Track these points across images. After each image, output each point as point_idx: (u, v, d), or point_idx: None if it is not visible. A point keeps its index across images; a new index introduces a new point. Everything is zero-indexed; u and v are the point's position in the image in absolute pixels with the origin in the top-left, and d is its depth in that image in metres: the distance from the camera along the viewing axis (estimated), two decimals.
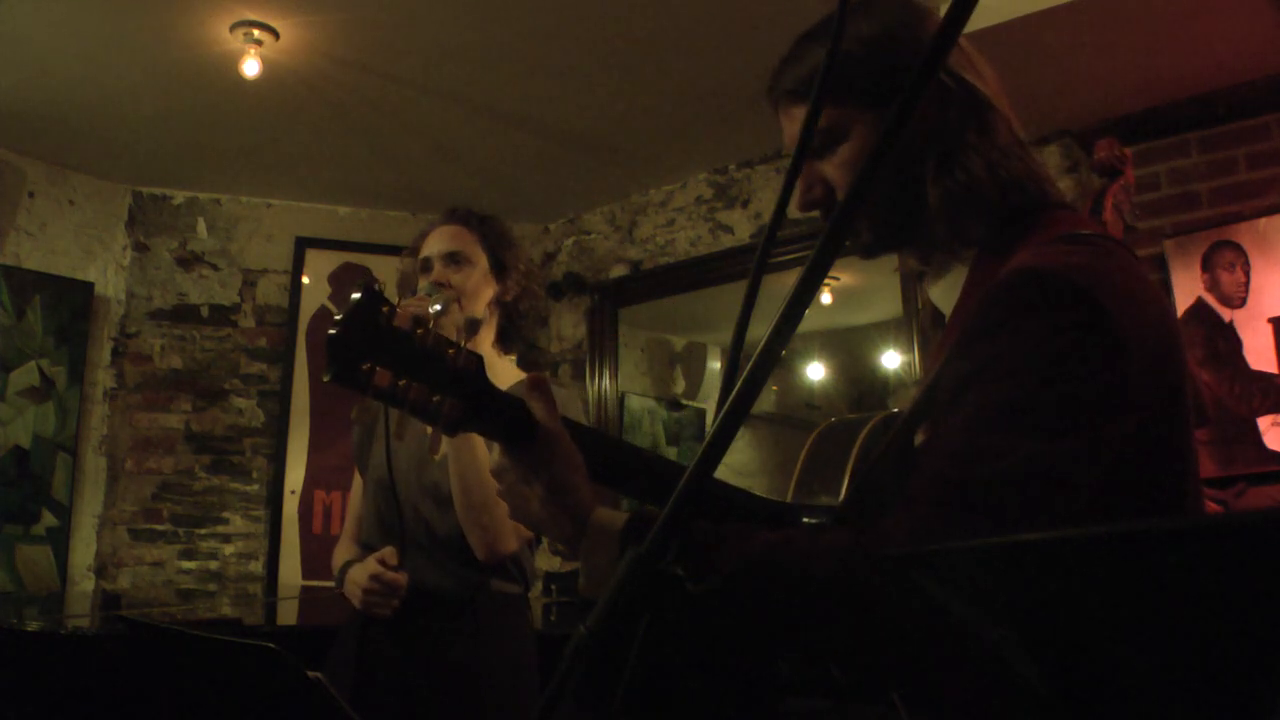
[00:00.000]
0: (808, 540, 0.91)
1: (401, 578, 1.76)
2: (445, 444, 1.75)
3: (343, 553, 1.95)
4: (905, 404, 1.02)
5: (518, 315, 2.00)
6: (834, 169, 1.03)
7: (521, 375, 1.99)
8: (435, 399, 0.92)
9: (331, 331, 0.87)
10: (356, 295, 0.88)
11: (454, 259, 1.90)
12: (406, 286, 2.00)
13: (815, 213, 1.06)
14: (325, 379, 0.89)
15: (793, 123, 1.06)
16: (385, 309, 0.89)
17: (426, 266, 1.92)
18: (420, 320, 0.91)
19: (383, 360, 0.89)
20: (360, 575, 1.79)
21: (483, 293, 1.93)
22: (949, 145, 0.98)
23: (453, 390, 0.93)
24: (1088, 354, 0.83)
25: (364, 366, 0.88)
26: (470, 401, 0.94)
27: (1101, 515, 0.84)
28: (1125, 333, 0.85)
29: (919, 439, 0.95)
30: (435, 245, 1.93)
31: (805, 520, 1.09)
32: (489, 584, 1.84)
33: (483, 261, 1.93)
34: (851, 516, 1.03)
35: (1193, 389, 0.95)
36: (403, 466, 1.88)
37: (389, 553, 1.78)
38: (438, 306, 1.77)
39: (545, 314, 4.65)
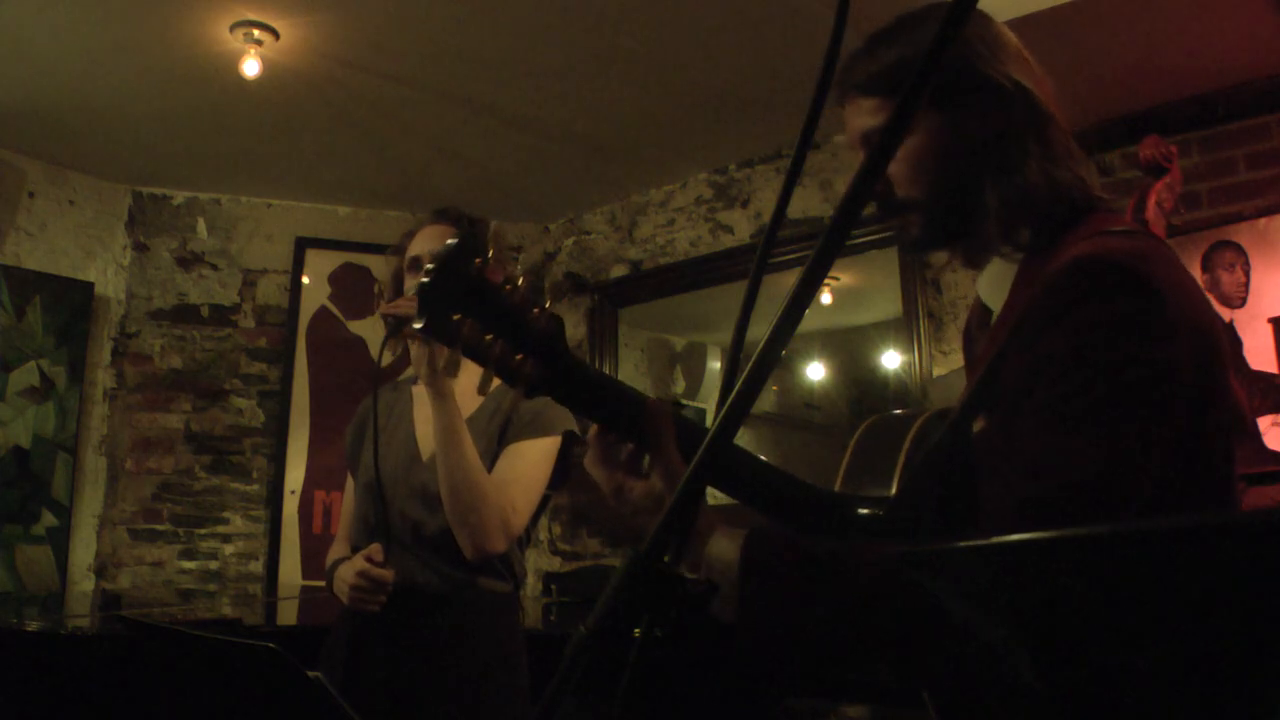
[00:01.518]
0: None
1: (388, 573, 1.77)
2: (432, 413, 1.75)
3: (335, 553, 1.97)
4: (959, 397, 1.04)
5: None
6: (894, 165, 1.06)
7: None
8: (518, 358, 0.91)
9: (424, 280, 0.87)
10: (451, 242, 0.88)
11: None
12: (395, 284, 2.00)
13: (870, 205, 1.08)
14: (416, 326, 0.88)
15: (858, 115, 1.09)
16: (478, 261, 0.88)
17: (415, 265, 1.91)
18: (510, 277, 0.91)
19: (472, 313, 0.88)
20: (347, 572, 1.80)
21: None
22: (1009, 150, 1.02)
23: (534, 351, 0.92)
24: (1147, 341, 0.86)
25: (454, 317, 0.88)
26: (549, 365, 0.94)
27: (1165, 508, 0.86)
28: (1178, 320, 0.87)
29: (977, 426, 0.96)
30: (425, 244, 1.93)
31: (860, 511, 1.09)
32: (477, 582, 1.84)
33: None
34: (906, 506, 1.04)
35: (1233, 397, 0.97)
36: (391, 468, 1.89)
37: (375, 549, 1.79)
38: None
39: None
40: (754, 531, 0.94)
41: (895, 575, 0.86)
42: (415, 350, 1.76)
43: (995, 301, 1.06)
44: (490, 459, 1.83)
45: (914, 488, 1.05)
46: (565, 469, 1.92)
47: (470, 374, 1.93)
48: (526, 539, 1.95)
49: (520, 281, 0.91)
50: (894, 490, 1.10)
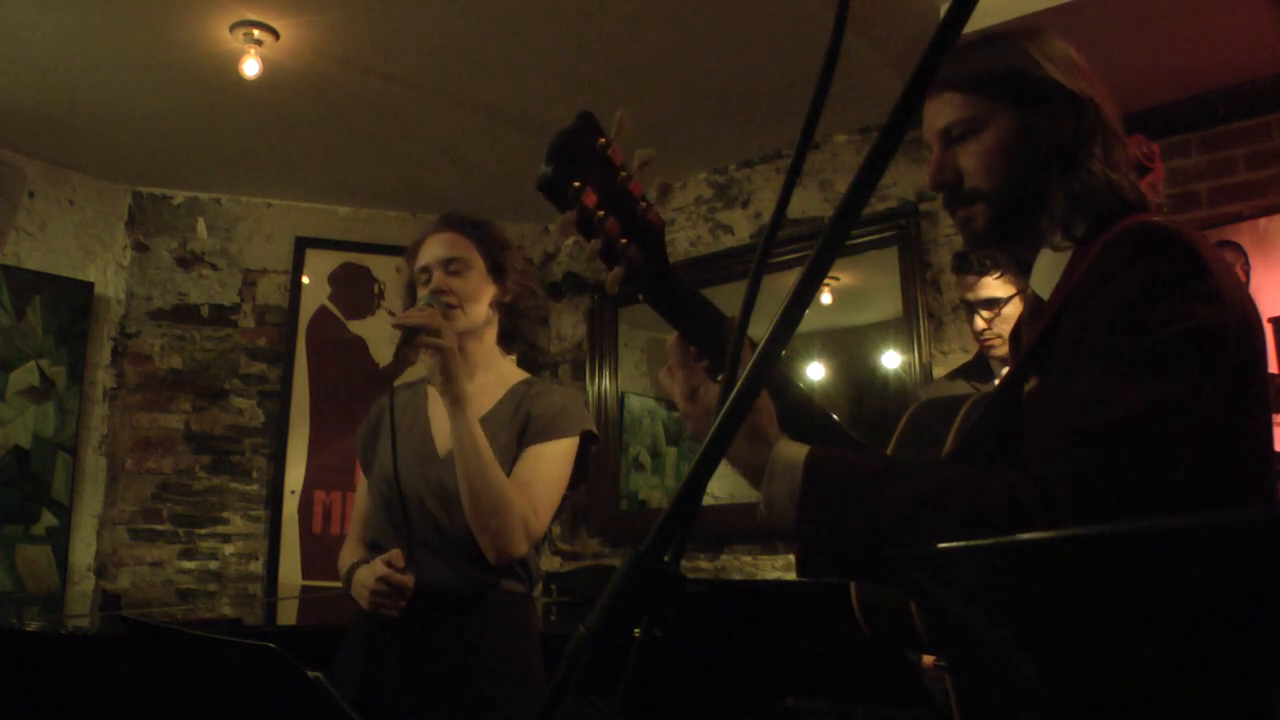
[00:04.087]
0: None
1: (409, 579, 1.77)
2: (450, 422, 1.76)
3: (349, 555, 1.96)
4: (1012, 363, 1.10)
5: (518, 315, 2.03)
6: (968, 157, 1.13)
7: (522, 374, 2.00)
8: (623, 241, 0.94)
9: (550, 147, 0.91)
10: (581, 113, 0.92)
11: (452, 265, 1.92)
12: (409, 295, 2.01)
13: (940, 194, 1.16)
14: (540, 179, 0.92)
15: (944, 109, 1.15)
16: (602, 140, 0.91)
17: (425, 275, 1.93)
18: (625, 164, 0.95)
19: (592, 183, 0.92)
20: (367, 577, 1.80)
21: (483, 295, 1.95)
22: (1075, 154, 1.09)
23: (639, 239, 0.96)
24: (1196, 301, 0.92)
25: (575, 184, 0.91)
26: (650, 255, 0.98)
27: (1211, 462, 0.90)
28: (1222, 290, 0.94)
29: (1029, 386, 1.01)
30: (432, 253, 1.94)
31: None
32: (498, 583, 1.85)
33: (480, 265, 1.95)
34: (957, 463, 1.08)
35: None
36: (407, 465, 1.89)
37: (395, 555, 1.79)
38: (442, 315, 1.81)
39: (545, 313, 4.64)
40: (818, 445, 1.01)
41: (943, 492, 0.92)
42: (429, 360, 1.77)
43: (1047, 290, 1.11)
44: (510, 460, 1.85)
45: (964, 450, 1.09)
46: (583, 469, 1.93)
47: (483, 374, 1.95)
48: (543, 540, 1.96)
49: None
50: (947, 450, 1.13)
